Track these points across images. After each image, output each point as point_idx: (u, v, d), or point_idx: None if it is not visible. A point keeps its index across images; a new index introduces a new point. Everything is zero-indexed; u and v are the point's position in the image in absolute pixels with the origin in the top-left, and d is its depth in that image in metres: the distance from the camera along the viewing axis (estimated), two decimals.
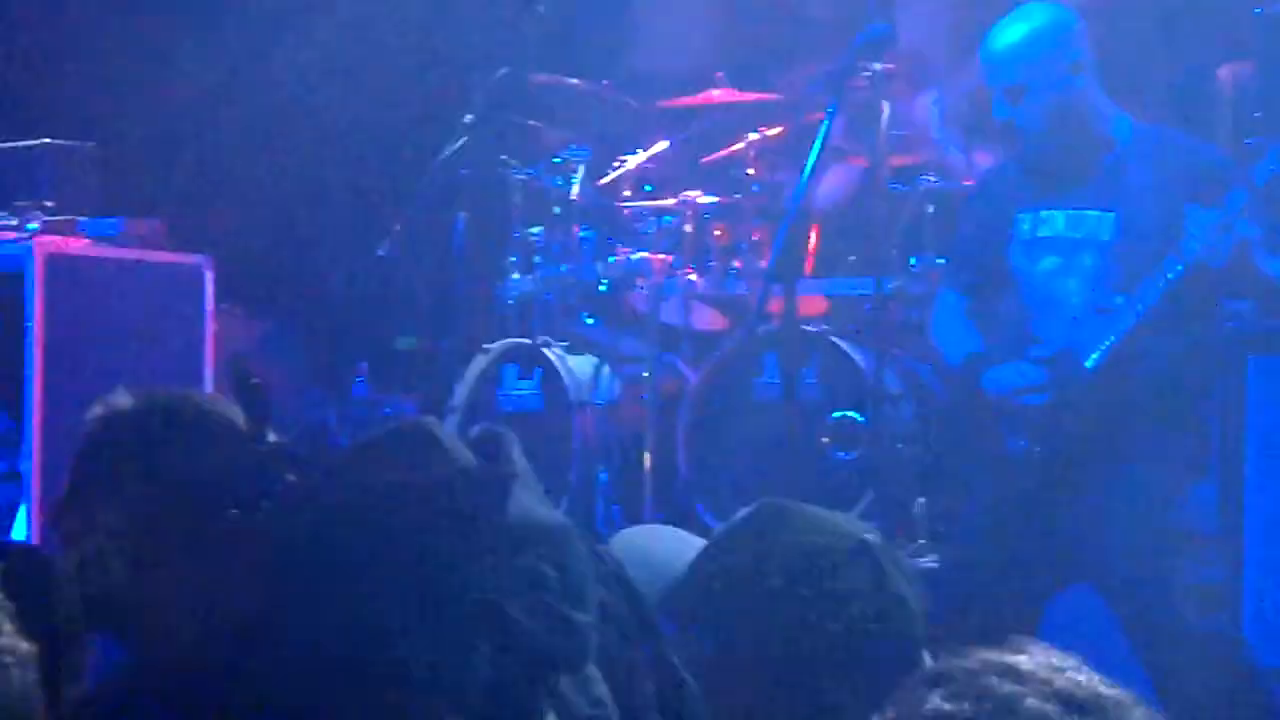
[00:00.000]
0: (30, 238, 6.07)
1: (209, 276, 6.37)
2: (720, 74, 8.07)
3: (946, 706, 1.54)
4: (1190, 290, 4.81)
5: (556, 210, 7.80)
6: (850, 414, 7.03)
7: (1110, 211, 4.93)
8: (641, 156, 8.02)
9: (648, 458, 7.32)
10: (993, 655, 1.61)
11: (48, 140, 6.48)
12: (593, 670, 2.12)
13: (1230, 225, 4.66)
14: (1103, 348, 4.87)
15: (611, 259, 7.69)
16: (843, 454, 7.03)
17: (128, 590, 2.47)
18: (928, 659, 2.28)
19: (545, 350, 7.60)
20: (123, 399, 2.56)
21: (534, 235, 7.87)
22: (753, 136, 7.70)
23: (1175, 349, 4.92)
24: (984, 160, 7.30)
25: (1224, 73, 6.69)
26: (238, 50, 9.09)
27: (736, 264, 7.54)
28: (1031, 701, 1.54)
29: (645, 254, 7.65)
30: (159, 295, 6.23)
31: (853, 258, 7.56)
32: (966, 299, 5.23)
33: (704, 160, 8.00)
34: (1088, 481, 4.91)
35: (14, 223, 6.21)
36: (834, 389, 7.08)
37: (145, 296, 6.18)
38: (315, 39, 9.16)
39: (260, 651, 2.00)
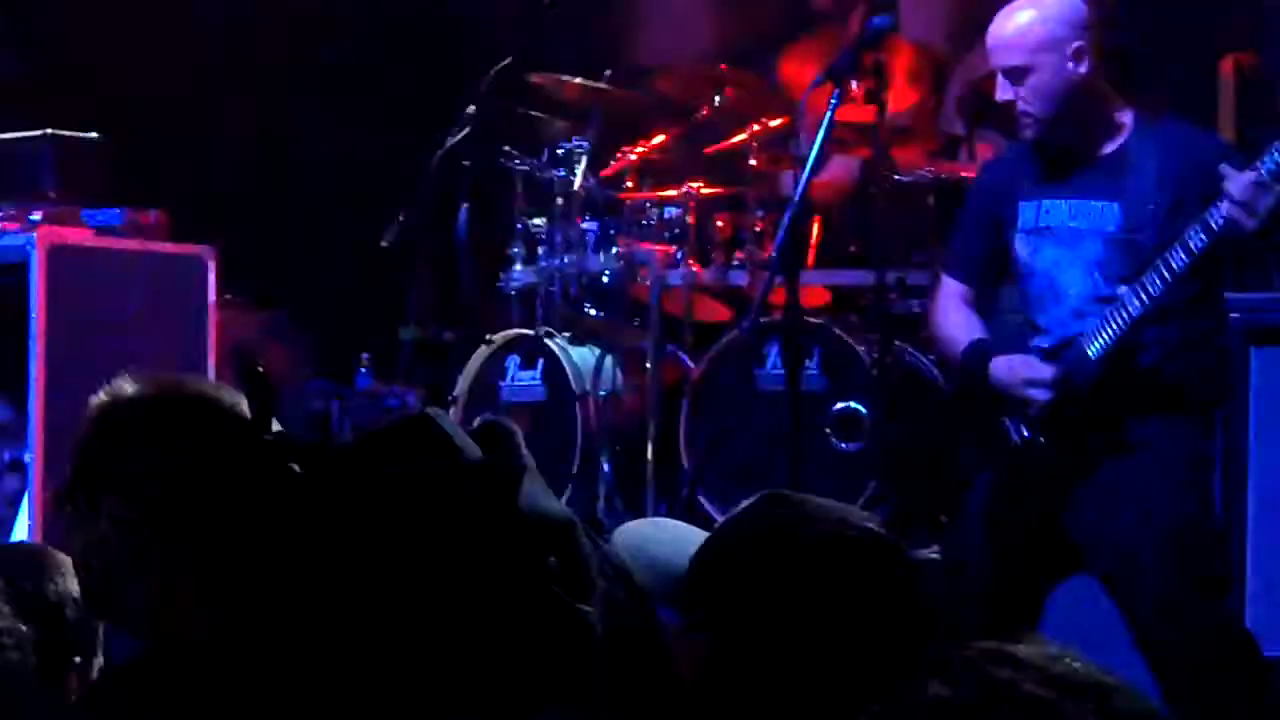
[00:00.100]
0: (32, 228, 6.07)
1: (211, 267, 6.37)
2: (724, 67, 8.07)
3: (945, 693, 1.54)
4: (1194, 279, 4.81)
5: (559, 201, 7.81)
6: (852, 405, 7.03)
7: (1114, 201, 4.93)
8: (644, 147, 8.02)
9: (650, 448, 7.32)
10: (990, 644, 1.61)
11: (50, 131, 6.47)
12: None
13: (1268, 183, 4.64)
14: (1106, 338, 4.87)
15: (614, 250, 7.70)
16: (845, 445, 7.04)
17: (131, 577, 2.47)
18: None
19: (548, 341, 7.60)
20: (127, 385, 2.56)
21: (537, 226, 7.87)
22: (755, 127, 7.70)
23: (1178, 340, 4.92)
24: (986, 151, 7.31)
25: (1226, 63, 6.69)
26: (238, 42, 9.09)
27: (739, 255, 7.55)
28: (1029, 687, 1.55)
29: (648, 245, 7.65)
30: (161, 286, 6.23)
31: (855, 249, 7.57)
32: (968, 288, 5.23)
33: (706, 151, 8.01)
34: (1091, 472, 4.91)
35: (16, 213, 6.21)
36: (836, 380, 7.08)
37: (148, 287, 6.18)
38: (318, 29, 9.16)
39: (271, 642, 2.00)
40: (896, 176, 7.30)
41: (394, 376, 8.74)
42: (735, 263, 7.55)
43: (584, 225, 7.76)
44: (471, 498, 2.02)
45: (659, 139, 8.05)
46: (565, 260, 7.75)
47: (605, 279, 7.72)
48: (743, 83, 8.06)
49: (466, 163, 8.01)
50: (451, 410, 7.57)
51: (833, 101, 5.62)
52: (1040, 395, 4.94)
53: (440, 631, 1.95)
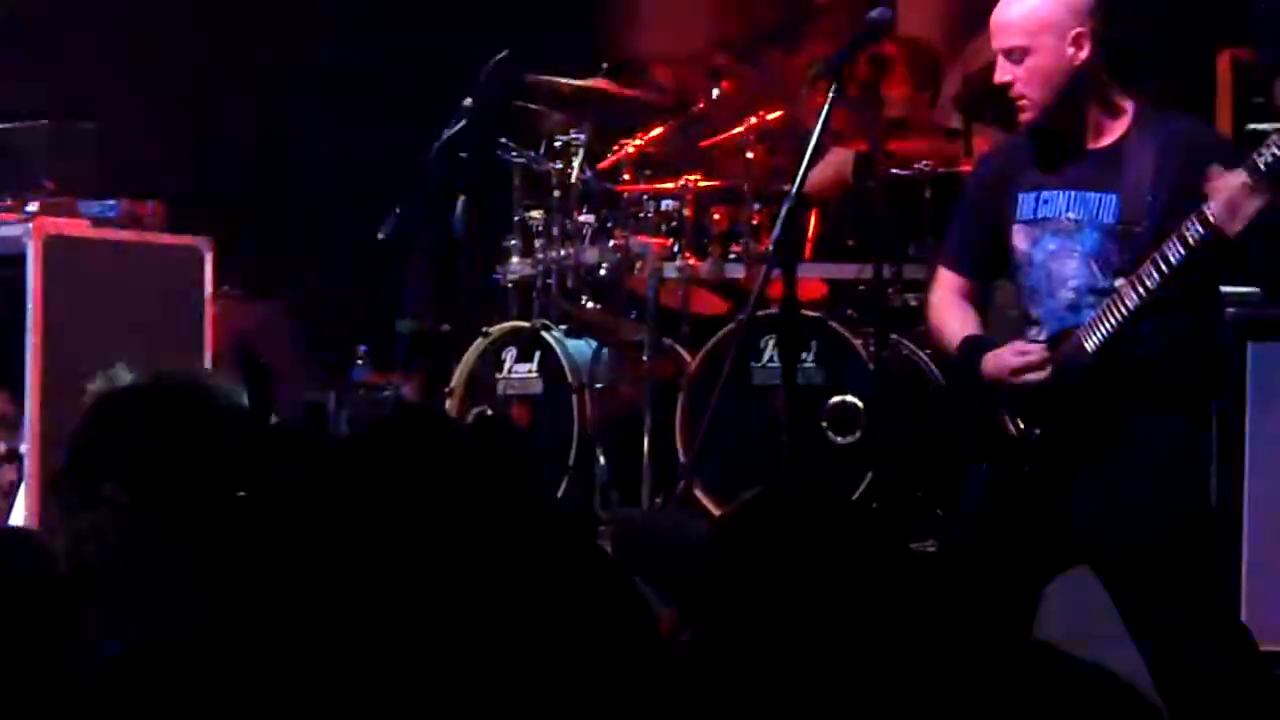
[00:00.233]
0: (29, 219, 6.07)
1: (208, 258, 6.37)
2: (721, 60, 8.07)
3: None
4: (1191, 272, 4.80)
5: (556, 194, 7.81)
6: (849, 398, 7.03)
7: (1112, 193, 4.93)
8: (641, 140, 8.02)
9: (646, 441, 7.32)
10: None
11: (47, 121, 6.47)
12: None
13: (1254, 188, 4.65)
14: (1102, 331, 4.87)
15: (611, 243, 7.70)
16: (841, 438, 7.04)
17: (125, 565, 2.46)
18: None
19: (545, 334, 7.61)
20: (125, 373, 2.56)
21: (534, 219, 7.87)
22: (752, 120, 7.70)
23: (1175, 333, 4.92)
24: (982, 145, 7.31)
25: (1223, 58, 6.69)
26: (240, 34, 9.08)
27: (735, 248, 7.54)
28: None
29: (644, 238, 7.65)
30: (158, 277, 6.23)
31: (852, 242, 7.57)
32: (965, 280, 5.22)
33: (703, 144, 8.00)
34: (1086, 465, 4.91)
35: (13, 204, 6.21)
36: (833, 373, 7.08)
37: (144, 278, 6.18)
38: (316, 21, 9.16)
39: (268, 636, 2.00)
40: (893, 170, 7.30)
41: (391, 369, 8.74)
42: (732, 256, 7.55)
43: (581, 218, 7.76)
44: (475, 490, 2.02)
45: (656, 132, 8.04)
46: (562, 253, 7.75)
47: (602, 272, 7.72)
48: (740, 75, 8.06)
49: (463, 155, 8.00)
50: (448, 402, 7.57)
51: (830, 95, 5.62)
52: (1034, 377, 4.94)
53: (442, 625, 1.95)
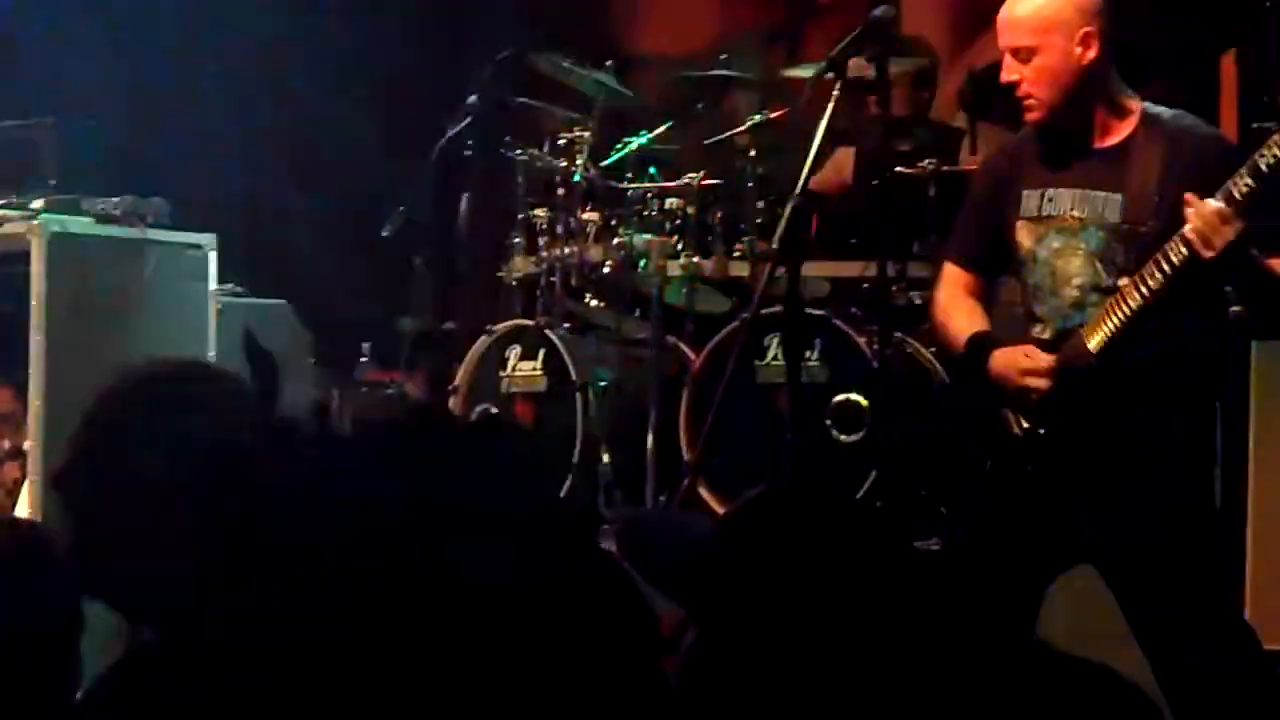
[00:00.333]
0: (33, 216, 6.07)
1: (212, 255, 6.37)
2: (724, 56, 8.07)
3: None
4: (1194, 272, 4.80)
5: (560, 192, 7.81)
6: (853, 396, 7.03)
7: (1118, 192, 4.92)
8: (645, 138, 8.02)
9: (650, 439, 7.32)
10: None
11: (51, 119, 6.47)
12: None
13: (1229, 217, 4.65)
14: (1106, 330, 4.87)
15: (615, 241, 7.69)
16: (845, 436, 7.03)
17: (130, 559, 2.44)
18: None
19: (548, 332, 7.60)
20: (133, 365, 2.54)
21: (538, 217, 7.87)
22: (756, 119, 7.69)
23: (1179, 332, 4.91)
24: (987, 143, 7.30)
25: (1227, 59, 6.69)
26: (241, 30, 9.09)
27: (739, 246, 7.54)
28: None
29: (648, 236, 7.65)
30: (162, 274, 6.23)
31: (855, 241, 7.56)
32: (971, 276, 5.22)
33: (707, 142, 8.00)
34: (1090, 464, 4.91)
35: (17, 201, 6.21)
36: (836, 371, 7.08)
37: (148, 275, 6.18)
38: (322, 18, 9.16)
39: (274, 630, 1.99)
40: (897, 168, 7.29)
41: (394, 366, 8.74)
42: (735, 254, 7.55)
43: (584, 216, 7.76)
44: (482, 489, 2.02)
45: (660, 129, 8.04)
46: (566, 251, 7.75)
47: (606, 270, 7.72)
48: (744, 72, 8.05)
49: (468, 153, 8.00)
50: (452, 400, 7.57)
51: (834, 93, 5.62)
52: (1038, 384, 4.94)
53: (443, 624, 1.95)
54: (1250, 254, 4.75)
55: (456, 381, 7.69)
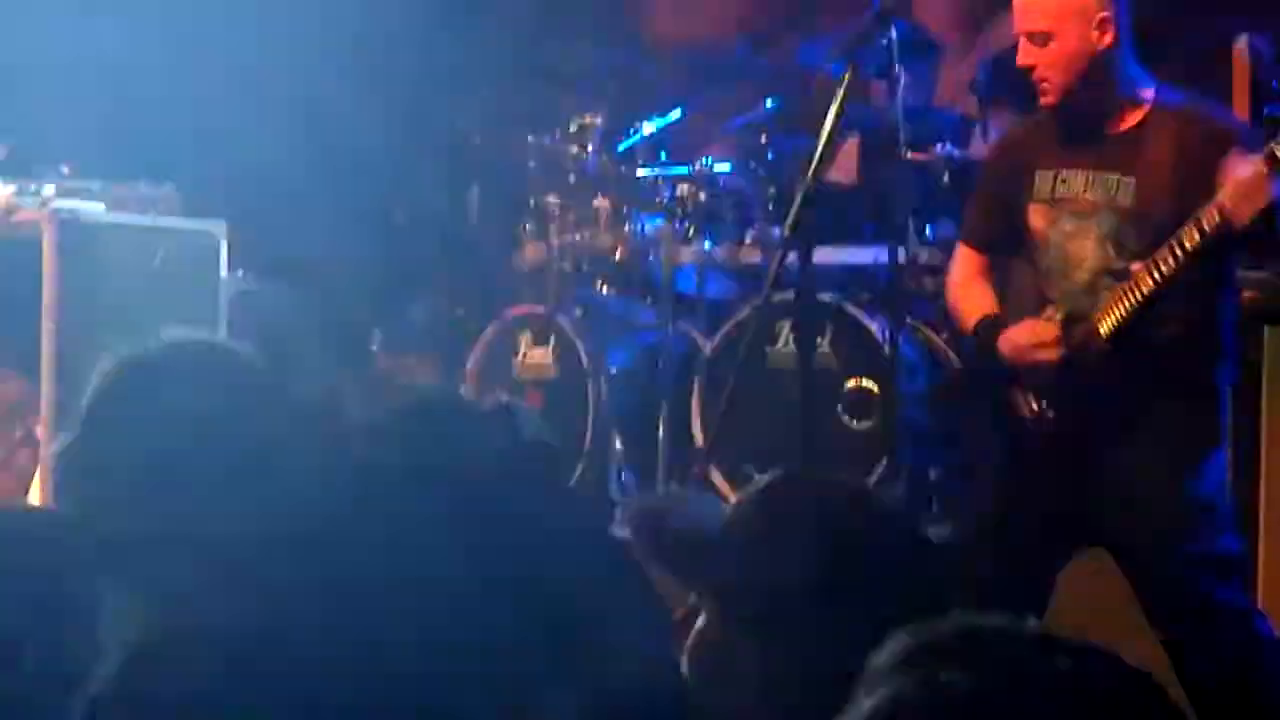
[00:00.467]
0: (45, 204, 6.07)
1: (223, 242, 6.37)
2: (738, 41, 8.07)
3: (964, 674, 1.52)
4: (1207, 257, 4.79)
5: (572, 178, 7.80)
6: (865, 383, 7.03)
7: (1131, 175, 4.92)
8: (657, 124, 8.01)
9: (662, 426, 7.32)
10: (967, 622, 1.59)
11: (63, 105, 6.47)
12: None
13: (1266, 178, 4.64)
14: (1118, 314, 4.86)
15: (626, 226, 7.69)
16: (857, 423, 7.03)
17: (137, 535, 2.41)
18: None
19: (560, 318, 7.60)
20: (141, 342, 2.51)
21: (549, 203, 7.87)
22: (768, 103, 7.69)
23: (1191, 317, 4.91)
24: (999, 129, 7.29)
25: (1240, 43, 6.67)
26: (251, 17, 9.08)
27: (751, 232, 7.54)
28: (1046, 658, 1.53)
29: (660, 221, 7.64)
30: (173, 261, 6.23)
31: (868, 226, 7.55)
32: (985, 258, 5.22)
33: (720, 128, 7.99)
34: (1102, 448, 4.91)
35: (29, 188, 6.21)
36: (848, 358, 7.07)
37: (159, 263, 6.18)
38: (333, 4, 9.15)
39: (281, 616, 1.98)
40: (909, 154, 7.27)
41: (406, 353, 8.74)
42: (747, 240, 7.54)
43: (596, 202, 7.76)
44: (532, 474, 2.01)
45: (673, 115, 8.04)
46: (577, 237, 7.74)
47: (617, 256, 7.72)
48: (757, 57, 8.05)
49: (479, 139, 8.00)
50: (463, 387, 7.57)
51: (846, 79, 5.61)
52: (1047, 356, 4.94)
53: (455, 607, 1.95)
54: None
55: (468, 368, 7.70)
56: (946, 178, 7.25)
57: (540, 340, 7.66)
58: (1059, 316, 4.99)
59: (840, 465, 6.80)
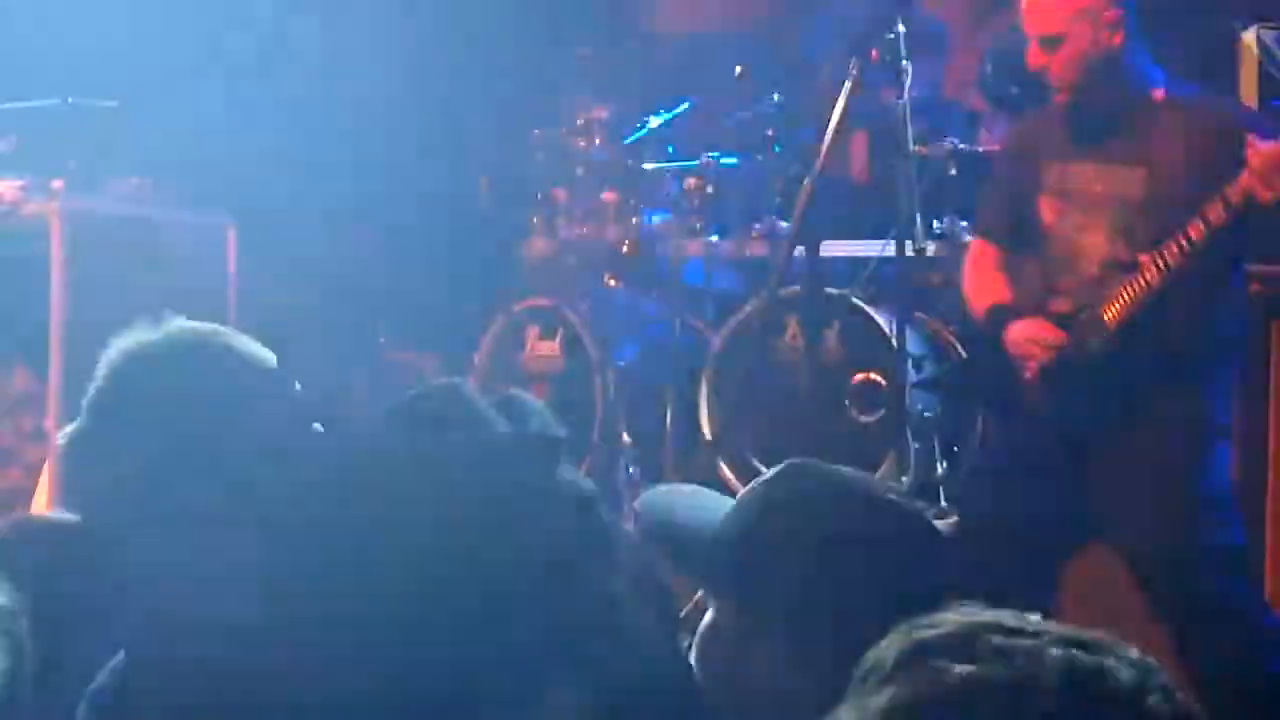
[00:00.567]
0: (53, 197, 6.07)
1: (231, 236, 6.38)
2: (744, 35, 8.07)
3: (973, 670, 1.52)
4: (1219, 239, 4.79)
5: (579, 171, 7.81)
6: (872, 375, 7.03)
7: (1140, 168, 4.92)
8: (664, 118, 8.02)
9: (669, 419, 7.32)
10: (971, 616, 1.59)
11: (70, 99, 6.47)
12: None
13: None
14: (1124, 306, 4.87)
15: (634, 220, 7.69)
16: (864, 416, 7.03)
17: (140, 529, 2.40)
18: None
19: (567, 311, 7.61)
20: (147, 331, 2.50)
21: (557, 196, 7.87)
22: (775, 97, 7.68)
23: (1197, 309, 4.91)
24: (1004, 123, 7.28)
25: (1248, 35, 6.66)
26: (258, 14, 9.08)
27: (758, 225, 7.54)
28: (1054, 651, 1.53)
29: (667, 215, 7.65)
30: (181, 255, 6.23)
31: (875, 220, 7.55)
32: (998, 250, 5.23)
33: (727, 121, 7.99)
34: (1107, 441, 4.91)
35: (36, 181, 6.21)
36: (855, 351, 7.07)
37: (167, 256, 6.18)
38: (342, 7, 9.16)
39: (299, 614, 1.98)
40: (916, 148, 7.27)
41: (413, 346, 8.74)
42: (755, 234, 7.54)
43: (604, 195, 7.76)
44: (521, 469, 2.01)
45: (680, 109, 8.04)
46: (585, 230, 7.75)
47: (625, 249, 7.72)
48: (764, 50, 8.04)
49: (487, 132, 8.01)
50: (470, 380, 7.57)
51: (853, 73, 5.61)
52: (1047, 357, 4.95)
53: (458, 602, 1.95)
54: None
55: (475, 361, 7.70)
56: (954, 171, 7.24)
57: (548, 333, 7.66)
58: (1067, 309, 4.99)
59: (847, 458, 6.79)
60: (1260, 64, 6.49)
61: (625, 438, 7.46)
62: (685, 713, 2.27)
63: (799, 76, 7.83)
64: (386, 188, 8.55)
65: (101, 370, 2.46)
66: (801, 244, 5.74)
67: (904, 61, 6.59)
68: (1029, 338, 4.99)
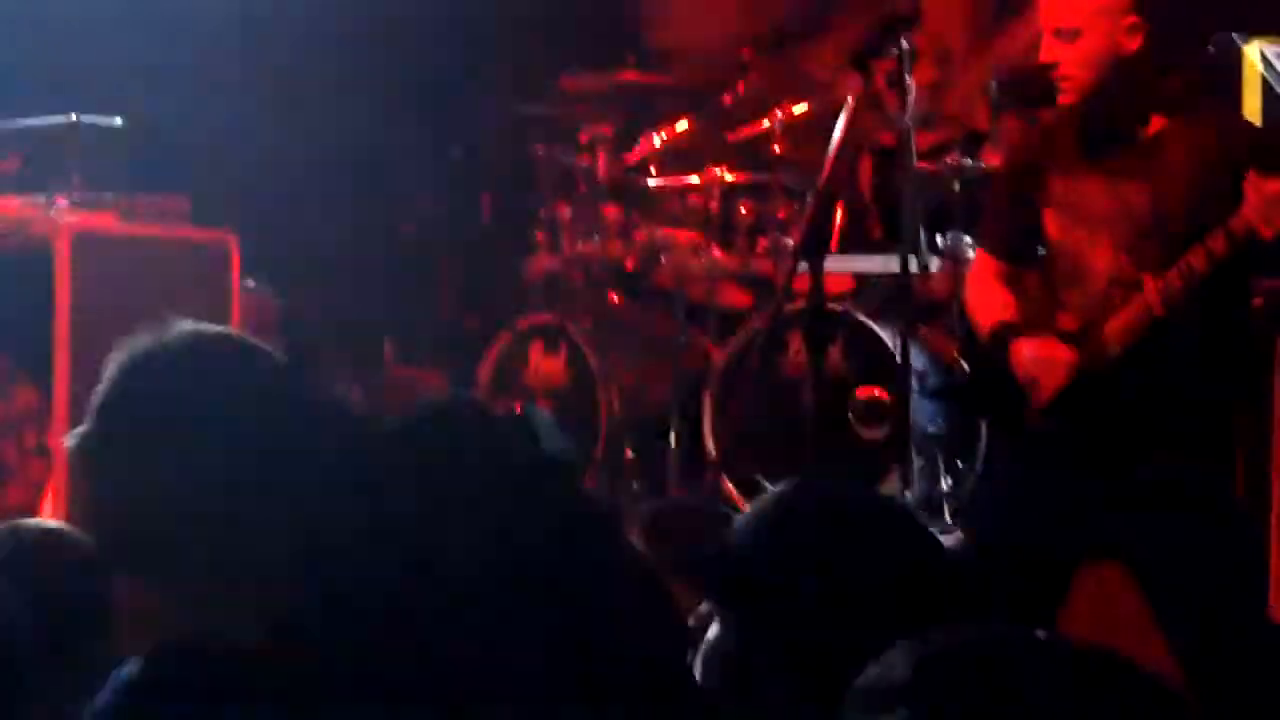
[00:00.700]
0: (57, 214, 6.08)
1: (235, 253, 6.38)
2: (747, 51, 8.07)
3: (985, 686, 1.52)
4: (1222, 267, 4.79)
5: (583, 188, 7.81)
6: (876, 392, 7.02)
7: (1147, 186, 4.91)
8: (668, 134, 8.02)
9: (673, 435, 7.32)
10: (980, 633, 1.59)
11: (74, 116, 6.48)
12: None
13: None
14: (1128, 328, 4.86)
15: (637, 236, 7.70)
16: (868, 431, 7.02)
17: (150, 530, 2.38)
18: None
19: (571, 328, 7.61)
20: (156, 333, 2.48)
21: (560, 212, 7.88)
22: (779, 114, 7.68)
23: (1204, 327, 4.90)
24: (1011, 136, 7.28)
25: (1250, 49, 6.66)
26: (261, 28, 9.09)
27: (762, 241, 7.54)
28: (1062, 668, 1.53)
29: (671, 231, 7.65)
30: (185, 271, 6.24)
31: (878, 235, 7.56)
32: (1003, 264, 5.22)
33: (730, 137, 7.99)
34: (1112, 460, 4.90)
35: (41, 199, 6.22)
36: (859, 367, 7.07)
37: (171, 273, 6.19)
38: (342, 16, 9.16)
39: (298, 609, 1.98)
40: (920, 163, 7.27)
41: (418, 362, 8.75)
42: (758, 250, 7.54)
43: (607, 212, 7.76)
44: (539, 488, 2.01)
45: (683, 125, 8.04)
46: (588, 246, 7.75)
47: (628, 266, 7.72)
48: (767, 67, 8.05)
49: (490, 148, 8.01)
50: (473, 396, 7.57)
51: (856, 89, 5.61)
52: (1053, 379, 4.94)
53: (474, 612, 1.95)
54: None
55: (479, 377, 7.71)
56: (957, 187, 7.24)
57: (551, 350, 7.66)
58: (1072, 326, 4.99)
59: (851, 474, 6.80)
60: (1262, 78, 6.49)
61: (629, 453, 7.46)
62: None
63: (803, 92, 7.82)
64: (390, 204, 8.55)
65: (110, 371, 2.45)
66: (805, 260, 5.73)
67: (907, 78, 6.61)
68: (1038, 358, 4.97)
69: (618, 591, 2.06)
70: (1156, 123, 4.96)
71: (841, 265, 7.40)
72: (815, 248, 5.70)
